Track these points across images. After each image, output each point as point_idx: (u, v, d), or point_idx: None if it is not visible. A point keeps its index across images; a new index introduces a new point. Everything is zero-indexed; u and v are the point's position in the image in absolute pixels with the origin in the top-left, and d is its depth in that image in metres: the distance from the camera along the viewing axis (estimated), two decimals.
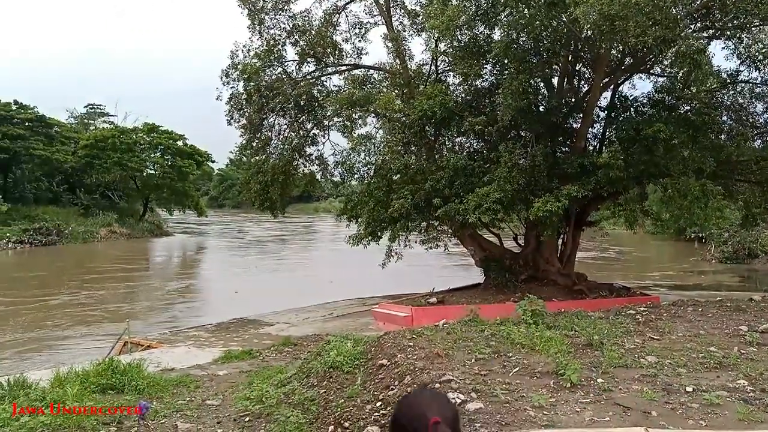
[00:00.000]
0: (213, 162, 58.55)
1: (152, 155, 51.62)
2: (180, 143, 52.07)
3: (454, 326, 9.37)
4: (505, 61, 16.64)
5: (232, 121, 18.31)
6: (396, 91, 17.59)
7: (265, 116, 18.34)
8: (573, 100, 18.07)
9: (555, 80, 18.15)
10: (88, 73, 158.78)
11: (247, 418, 6.95)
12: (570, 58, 17.60)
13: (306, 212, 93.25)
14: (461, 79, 17.80)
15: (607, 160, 15.34)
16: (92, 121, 61.78)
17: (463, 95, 17.88)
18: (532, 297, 10.18)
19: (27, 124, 42.71)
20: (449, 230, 18.76)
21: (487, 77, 18.26)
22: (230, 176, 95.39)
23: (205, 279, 29.01)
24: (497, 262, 18.72)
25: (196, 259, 40.34)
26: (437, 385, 5.87)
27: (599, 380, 6.46)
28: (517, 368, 6.85)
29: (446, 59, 18.14)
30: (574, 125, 18.28)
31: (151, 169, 51.74)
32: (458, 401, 5.39)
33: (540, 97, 17.99)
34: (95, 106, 64.15)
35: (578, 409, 5.58)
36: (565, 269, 18.72)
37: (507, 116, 14.74)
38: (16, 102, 44.31)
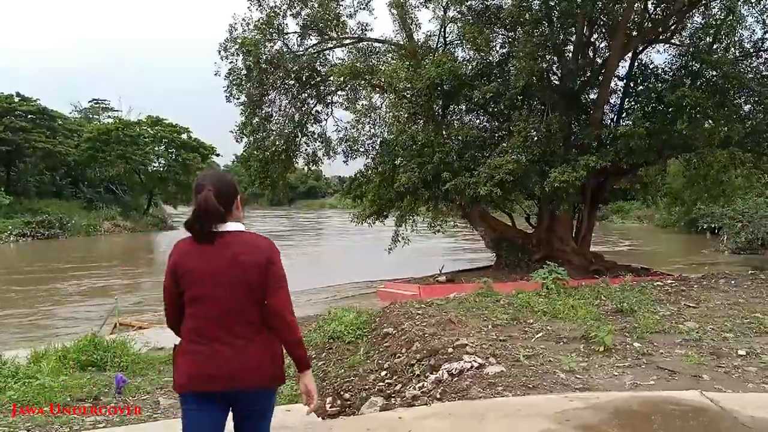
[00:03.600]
0: (218, 155, 57.64)
1: (156, 148, 50.91)
2: (184, 136, 51.32)
3: (467, 297, 8.58)
4: (517, 29, 15.84)
5: (231, 97, 17.49)
6: (401, 62, 16.72)
7: (265, 92, 17.53)
8: (588, 69, 17.18)
9: (569, 55, 17.27)
10: (93, 67, 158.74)
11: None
12: (585, 28, 16.71)
13: (313, 208, 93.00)
14: (471, 49, 16.97)
15: (627, 129, 14.47)
16: (96, 116, 61.21)
17: (473, 64, 17.02)
18: (551, 265, 9.34)
19: (29, 116, 41.93)
20: (458, 210, 17.93)
21: (497, 48, 17.46)
22: (237, 172, 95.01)
23: None
24: (509, 242, 17.89)
25: None
26: (450, 350, 5.07)
27: (636, 344, 5.64)
28: (541, 334, 6.05)
29: (455, 28, 17.26)
30: (591, 95, 17.39)
31: (155, 163, 51.07)
32: (475, 365, 4.59)
33: (555, 66, 17.10)
34: (99, 101, 63.60)
35: (616, 373, 4.77)
36: (581, 249, 17.83)
37: (521, 81, 13.89)
38: (18, 94, 43.66)
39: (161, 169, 50.65)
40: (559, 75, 17.11)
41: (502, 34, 17.07)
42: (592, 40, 17.54)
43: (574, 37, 16.74)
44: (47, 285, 20.04)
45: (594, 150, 15.40)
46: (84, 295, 18.64)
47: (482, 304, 7.92)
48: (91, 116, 60.16)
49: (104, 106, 62.80)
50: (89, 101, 63.32)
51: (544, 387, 4.26)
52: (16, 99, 42.94)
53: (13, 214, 38.48)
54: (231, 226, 2.58)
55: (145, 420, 4.92)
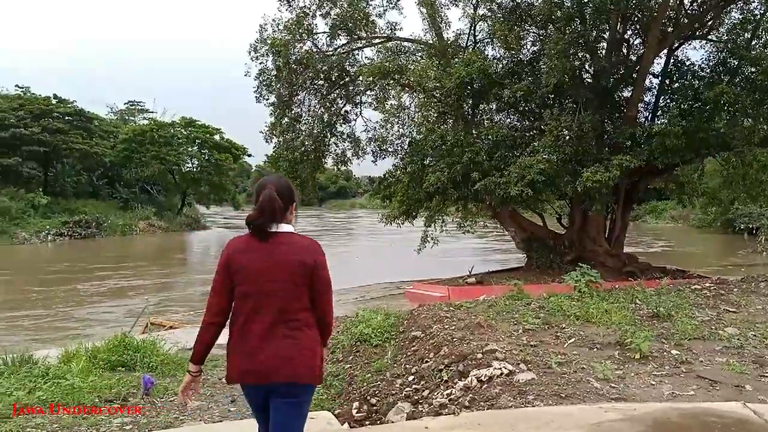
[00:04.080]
0: (249, 156, 58.19)
1: (190, 149, 51.64)
2: (217, 137, 51.95)
3: (496, 300, 8.41)
4: (549, 27, 15.58)
5: (260, 98, 17.64)
6: (431, 61, 16.58)
7: (294, 92, 17.59)
8: (622, 67, 16.79)
9: (602, 52, 16.89)
10: (94, 67, 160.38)
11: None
12: (618, 24, 16.33)
13: (343, 208, 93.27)
14: (501, 47, 16.74)
15: (662, 127, 14.10)
16: (132, 117, 62.28)
17: (503, 63, 16.79)
18: (583, 267, 9.10)
19: (66, 118, 42.81)
20: (487, 210, 17.72)
21: (528, 47, 17.20)
22: (267, 173, 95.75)
23: None
24: (540, 242, 17.61)
25: None
26: (479, 355, 4.94)
27: (673, 352, 5.43)
28: (573, 339, 5.87)
29: (485, 26, 17.05)
30: (625, 93, 17.00)
31: (188, 164, 51.81)
32: (505, 372, 4.46)
33: (587, 64, 16.76)
34: (135, 102, 64.71)
35: (653, 382, 4.58)
36: (614, 250, 17.45)
37: (552, 79, 13.62)
38: (55, 96, 44.73)
39: (194, 169, 51.37)
40: (592, 73, 16.76)
41: (533, 32, 16.83)
42: (626, 36, 17.15)
43: (608, 34, 16.40)
44: (69, 285, 20.35)
45: (628, 149, 15.04)
46: (106, 296, 18.89)
47: (512, 307, 7.75)
48: (126, 118, 61.22)
49: (140, 107, 63.86)
50: (125, 103, 64.49)
51: (577, 396, 4.11)
52: (54, 101, 43.99)
53: (51, 214, 39.41)
54: (284, 227, 2.80)
55: (171, 422, 4.91)
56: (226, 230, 53.13)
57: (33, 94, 44.52)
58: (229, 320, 2.79)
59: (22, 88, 45.35)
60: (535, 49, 17.05)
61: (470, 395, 4.21)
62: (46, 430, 4.24)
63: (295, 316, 2.74)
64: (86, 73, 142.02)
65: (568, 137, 14.62)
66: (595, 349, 5.57)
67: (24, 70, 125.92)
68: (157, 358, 7.49)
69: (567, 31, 14.83)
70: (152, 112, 61.41)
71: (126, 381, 6.12)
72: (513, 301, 8.22)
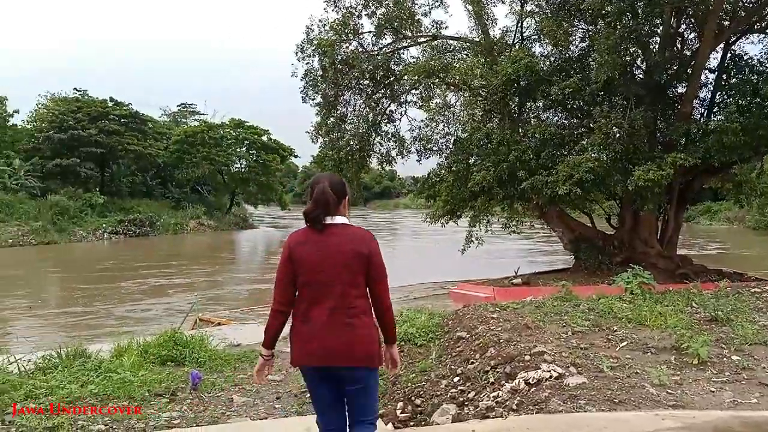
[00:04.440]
0: (296, 157, 58.93)
1: (238, 150, 52.63)
2: (264, 138, 52.79)
3: (544, 301, 8.22)
4: (599, 22, 15.20)
5: (307, 98, 17.82)
6: (476, 59, 16.40)
7: (340, 92, 17.70)
8: (676, 62, 16.22)
9: (654, 47, 16.35)
10: (94, 67, 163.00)
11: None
12: (672, 18, 15.79)
13: (387, 208, 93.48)
14: (549, 44, 16.43)
15: (719, 124, 13.55)
16: (184, 119, 63.86)
17: (551, 60, 16.46)
18: (635, 268, 8.81)
19: (122, 120, 44.24)
20: (534, 210, 17.42)
21: (577, 43, 16.82)
22: (314, 173, 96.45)
23: None
24: (588, 243, 17.17)
25: (280, 251, 40.69)
26: (527, 357, 4.82)
27: (734, 357, 5.18)
28: (626, 342, 5.67)
29: (532, 22, 16.77)
30: (678, 89, 16.41)
31: (237, 164, 52.82)
32: (554, 375, 4.33)
33: (639, 59, 16.26)
34: (187, 105, 66.38)
35: (713, 389, 4.37)
36: (666, 251, 16.86)
37: (603, 75, 13.25)
38: (111, 99, 46.26)
39: (243, 170, 52.34)
40: (644, 68, 16.23)
41: (582, 28, 16.43)
42: (679, 31, 16.57)
43: (661, 28, 15.87)
44: (113, 283, 20.88)
45: (682, 147, 14.52)
46: (170, 289, 19.42)
47: (561, 308, 7.55)
48: (179, 120, 62.79)
49: (191, 109, 65.43)
50: (177, 105, 66.18)
51: (631, 402, 3.95)
52: (110, 103, 45.53)
53: (107, 212, 40.87)
54: (339, 219, 3.03)
55: (218, 417, 4.97)
56: (273, 230, 53.92)
57: (90, 97, 46.19)
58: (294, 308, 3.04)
59: (80, 91, 47.09)
60: (584, 45, 16.65)
61: (518, 398, 4.10)
62: (97, 422, 4.34)
63: (353, 303, 2.94)
64: (86, 73, 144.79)
65: (618, 135, 14.21)
66: (649, 354, 5.37)
67: (24, 70, 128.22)
68: (205, 354, 7.60)
69: (618, 26, 14.43)
70: (203, 114, 62.89)
71: (175, 375, 6.22)
72: (561, 303, 8.02)
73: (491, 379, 4.67)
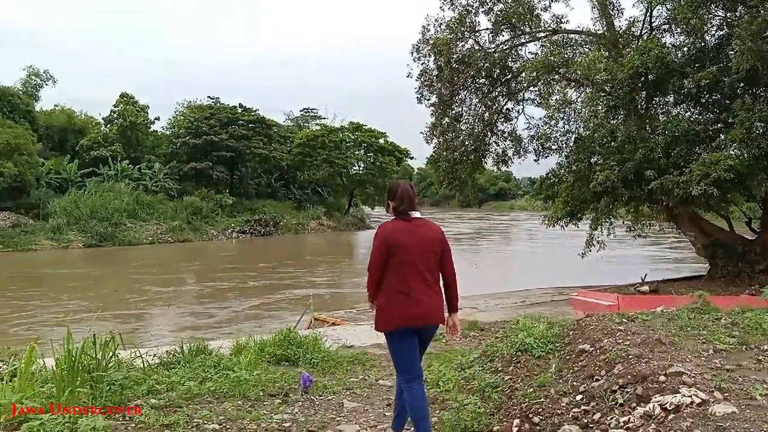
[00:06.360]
0: (412, 158, 59.49)
1: (356, 153, 53.93)
2: (381, 141, 53.72)
3: (678, 312, 7.45)
4: (738, 7, 13.76)
5: (422, 98, 17.78)
6: (600, 53, 15.46)
7: (455, 91, 17.44)
8: None
9: None
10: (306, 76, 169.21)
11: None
12: None
13: (502, 210, 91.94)
14: (682, 33, 15.13)
15: None
16: (306, 124, 66.44)
17: (683, 50, 15.16)
18: None
19: (250, 125, 46.90)
20: (663, 212, 16.13)
21: (713, 31, 15.36)
22: (429, 175, 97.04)
23: None
24: (726, 249, 15.64)
25: None
26: (662, 377, 4.30)
27: None
28: None
29: (663, 10, 15.53)
30: None
31: (355, 167, 54.15)
32: (696, 401, 3.82)
33: None
34: (309, 110, 69.08)
35: None
36: None
37: (745, 64, 11.96)
38: (240, 105, 49.21)
39: (360, 172, 53.56)
40: None
41: (719, 15, 14.99)
42: None
43: None
44: (265, 276, 21.83)
45: None
46: (293, 286, 20.12)
47: (698, 321, 6.79)
48: (301, 124, 65.40)
49: (313, 114, 67.93)
50: (300, 110, 69.04)
51: None
52: (239, 110, 48.37)
53: (236, 213, 43.52)
54: (416, 213, 3.97)
55: (328, 422, 4.92)
56: None
57: (222, 104, 49.35)
58: (383, 283, 3.86)
59: (213, 98, 50.45)
60: (721, 33, 15.20)
61: (653, 425, 3.65)
62: (212, 421, 4.42)
63: (434, 277, 3.90)
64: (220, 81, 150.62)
65: (762, 130, 12.79)
66: None
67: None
68: (318, 355, 7.65)
69: (762, 10, 12.99)
70: (324, 118, 65.10)
71: (289, 376, 6.28)
72: (698, 315, 7.22)
73: (620, 401, 4.22)
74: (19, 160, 33.42)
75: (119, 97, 45.98)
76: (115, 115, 45.93)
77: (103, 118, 48.24)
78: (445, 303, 3.97)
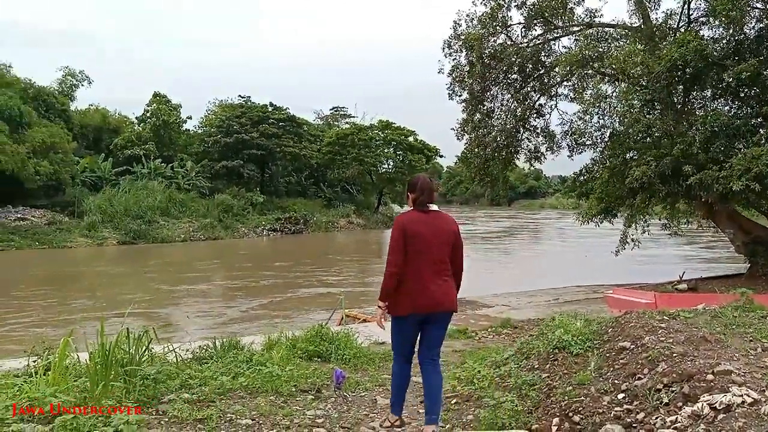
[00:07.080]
0: (441, 156, 59.12)
1: (386, 151, 53.83)
2: (411, 139, 53.51)
3: (722, 310, 7.20)
4: None
5: (453, 95, 17.56)
6: (635, 46, 15.09)
7: (487, 87, 17.22)
8: None
9: None
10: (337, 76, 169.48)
11: (454, 400, 5.89)
12: None
13: (532, 208, 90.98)
14: (721, 25, 14.67)
15: None
16: (336, 122, 66.62)
17: (722, 43, 14.70)
18: None
19: (280, 123, 47.11)
20: (701, 208, 15.70)
21: (752, 24, 14.86)
22: (458, 173, 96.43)
23: None
24: (767, 246, 15.16)
25: None
26: (709, 376, 4.14)
27: None
28: None
29: (701, 2, 15.11)
30: None
31: (385, 165, 54.07)
32: (748, 400, 3.65)
33: None
34: (339, 108, 69.21)
35: None
36: None
37: None
38: (271, 104, 49.49)
39: (390, 170, 53.45)
40: None
41: (758, 7, 14.51)
42: None
43: None
44: (295, 273, 21.90)
45: None
46: (323, 283, 20.17)
47: (743, 319, 6.55)
48: (331, 123, 65.57)
49: (342, 113, 68.05)
50: (330, 109, 69.21)
51: None
52: (270, 108, 48.68)
53: (266, 211, 43.83)
54: (434, 207, 4.17)
55: (361, 419, 4.86)
56: None
57: (253, 102, 49.74)
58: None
59: (244, 97, 50.88)
60: (761, 25, 14.70)
61: (702, 425, 3.50)
62: (245, 416, 4.40)
63: (447, 266, 4.11)
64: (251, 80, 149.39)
65: None
66: None
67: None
68: (350, 351, 7.61)
69: None
70: (353, 116, 65.14)
71: (321, 372, 6.24)
72: (743, 313, 6.97)
73: (665, 400, 4.07)
74: (55, 159, 34.21)
75: (152, 96, 46.72)
76: (148, 114, 46.70)
77: (136, 118, 49.11)
78: (455, 292, 4.23)
